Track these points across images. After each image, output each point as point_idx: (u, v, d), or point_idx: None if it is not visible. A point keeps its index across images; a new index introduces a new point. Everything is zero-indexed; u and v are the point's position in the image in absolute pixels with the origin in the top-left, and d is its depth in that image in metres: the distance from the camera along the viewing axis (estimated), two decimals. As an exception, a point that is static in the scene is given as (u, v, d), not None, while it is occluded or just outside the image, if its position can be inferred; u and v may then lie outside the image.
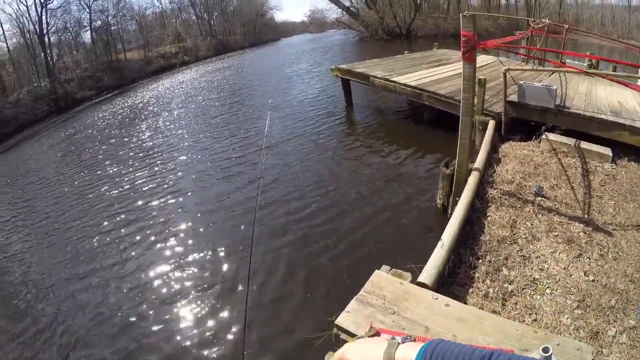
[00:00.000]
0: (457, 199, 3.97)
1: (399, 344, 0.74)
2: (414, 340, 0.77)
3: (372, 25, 37.37)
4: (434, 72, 9.42)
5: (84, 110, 25.20)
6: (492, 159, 5.05)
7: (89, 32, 40.03)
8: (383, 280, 2.21)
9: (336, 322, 2.04)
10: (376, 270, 2.32)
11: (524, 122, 6.19)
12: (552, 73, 7.67)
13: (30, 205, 9.00)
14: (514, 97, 6.06)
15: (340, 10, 43.96)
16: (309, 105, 12.48)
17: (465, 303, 2.54)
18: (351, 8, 41.44)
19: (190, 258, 5.27)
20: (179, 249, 5.52)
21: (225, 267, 4.95)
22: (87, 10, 39.20)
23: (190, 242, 5.66)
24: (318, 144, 8.65)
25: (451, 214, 3.71)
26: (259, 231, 5.37)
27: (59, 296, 5.10)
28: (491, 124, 5.80)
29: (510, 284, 2.91)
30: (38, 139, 18.91)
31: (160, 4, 50.90)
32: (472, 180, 4.08)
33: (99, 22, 40.93)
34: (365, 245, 4.85)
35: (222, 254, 5.22)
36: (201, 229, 5.95)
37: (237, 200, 6.58)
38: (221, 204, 6.56)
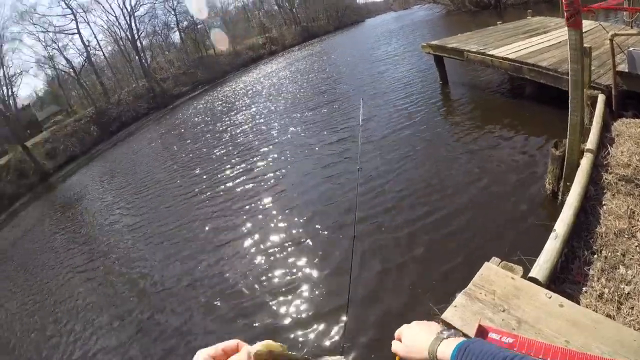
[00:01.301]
0: (568, 184, 3.64)
1: (444, 339, 0.80)
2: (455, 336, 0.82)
3: (457, -3, 35.01)
4: (532, 43, 8.52)
5: (180, 105, 27.39)
6: (605, 138, 4.50)
7: (177, 32, 43.31)
8: (493, 273, 2.12)
9: (442, 316, 2.00)
10: (486, 263, 2.22)
11: (636, 95, 5.38)
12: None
13: (128, 200, 10.20)
14: (623, 67, 5.29)
15: (423, -16, 41.91)
16: (403, 87, 12.17)
17: (578, 303, 2.36)
18: (434, -19, 39.15)
19: (294, 248, 5.61)
20: (282, 239, 5.95)
21: (328, 257, 5.15)
22: (173, 12, 42.32)
23: (293, 233, 6.03)
24: (415, 128, 8.46)
25: (562, 200, 3.42)
26: (360, 222, 5.39)
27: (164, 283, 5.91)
28: (601, 98, 5.12)
29: (627, 285, 2.58)
30: (140, 134, 20.99)
31: (242, -1, 52.78)
32: (585, 163, 3.68)
33: (185, 23, 43.95)
34: (471, 235, 4.62)
35: (325, 246, 5.43)
36: (303, 221, 6.25)
37: (337, 193, 6.75)
38: (321, 197, 6.81)
